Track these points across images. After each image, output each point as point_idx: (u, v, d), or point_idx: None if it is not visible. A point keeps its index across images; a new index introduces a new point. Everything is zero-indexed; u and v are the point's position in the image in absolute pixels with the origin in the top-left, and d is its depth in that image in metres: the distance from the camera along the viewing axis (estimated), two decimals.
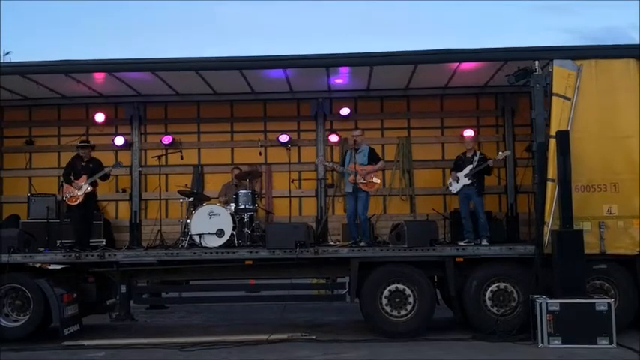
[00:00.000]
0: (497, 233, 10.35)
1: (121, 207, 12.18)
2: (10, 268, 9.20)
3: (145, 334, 9.73)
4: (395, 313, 9.16)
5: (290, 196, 11.94)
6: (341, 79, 11.18)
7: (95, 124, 12.00)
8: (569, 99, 9.04)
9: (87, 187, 10.12)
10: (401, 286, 9.19)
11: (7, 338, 9.03)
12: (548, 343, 8.22)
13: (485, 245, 9.52)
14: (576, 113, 9.03)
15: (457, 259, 9.26)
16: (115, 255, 9.62)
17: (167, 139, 11.94)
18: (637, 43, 9.84)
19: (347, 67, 10.55)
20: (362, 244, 9.74)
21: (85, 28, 78.22)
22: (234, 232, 9.97)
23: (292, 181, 11.94)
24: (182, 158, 11.81)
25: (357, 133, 10.31)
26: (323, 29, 79.03)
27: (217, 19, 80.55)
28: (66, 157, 10.78)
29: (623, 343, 8.20)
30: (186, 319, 11.54)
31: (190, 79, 10.76)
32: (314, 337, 9.03)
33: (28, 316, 9.20)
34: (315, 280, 10.26)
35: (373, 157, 10.17)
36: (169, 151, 11.92)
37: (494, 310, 9.08)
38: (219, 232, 9.90)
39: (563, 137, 8.79)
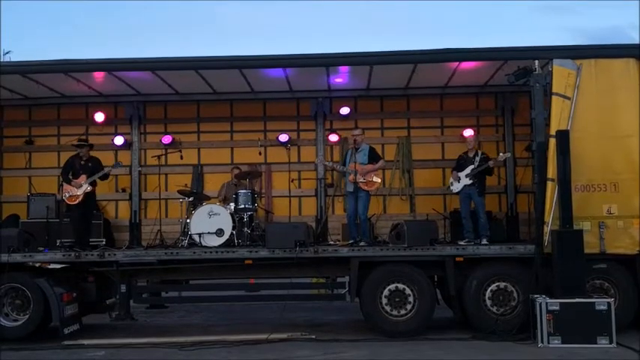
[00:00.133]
0: (497, 233, 10.36)
1: (121, 206, 12.17)
2: (10, 268, 9.20)
3: (145, 333, 9.74)
4: (395, 312, 9.16)
5: (290, 196, 11.93)
6: (341, 78, 11.18)
7: (95, 123, 12.00)
8: (569, 98, 9.04)
9: (87, 187, 10.11)
10: (401, 286, 9.19)
11: (7, 338, 9.03)
12: (548, 343, 8.22)
13: (485, 245, 9.52)
14: (576, 113, 9.03)
15: (457, 259, 9.26)
16: (114, 254, 9.62)
17: (167, 139, 11.93)
18: (637, 42, 9.84)
19: (347, 67, 10.55)
20: (362, 243, 9.74)
21: (85, 28, 78.23)
22: (234, 232, 9.97)
23: (292, 181, 11.93)
24: (182, 158, 11.80)
25: (357, 132, 10.31)
26: (323, 29, 79.03)
27: (217, 19, 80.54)
28: (66, 157, 10.76)
29: (623, 343, 8.19)
30: (186, 318, 11.54)
31: (190, 79, 10.75)
32: (314, 336, 9.02)
33: (27, 316, 9.20)
34: (314, 280, 10.27)
35: (373, 156, 10.16)
36: (169, 150, 11.91)
37: (494, 309, 9.08)
38: (219, 232, 9.90)
39: (563, 137, 8.79)
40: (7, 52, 26.29)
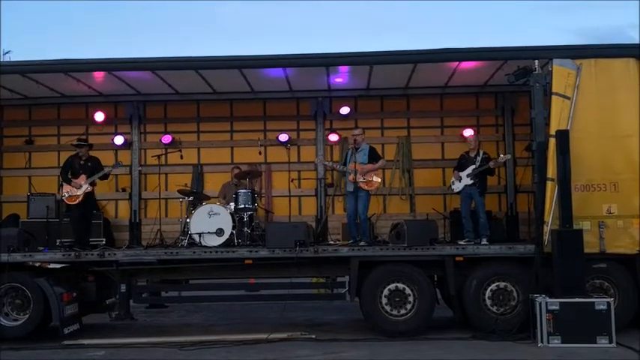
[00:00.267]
0: (497, 232, 10.36)
1: (121, 206, 12.17)
2: (10, 268, 9.20)
3: (145, 333, 9.74)
4: (395, 312, 9.16)
5: (290, 196, 11.93)
6: (341, 78, 11.18)
7: (95, 123, 12.00)
8: (568, 98, 9.04)
9: (87, 186, 10.11)
10: (401, 286, 9.19)
11: (7, 337, 9.03)
12: (548, 343, 8.22)
13: (485, 244, 9.52)
14: (576, 112, 9.03)
15: (457, 259, 9.25)
16: (114, 254, 9.62)
17: (167, 139, 11.93)
18: (637, 42, 9.84)
19: (347, 67, 10.55)
20: (362, 243, 9.74)
21: (85, 28, 78.18)
22: (234, 232, 9.97)
23: (292, 181, 11.93)
24: (182, 157, 11.80)
25: (357, 132, 10.31)
26: (323, 29, 78.97)
27: (217, 19, 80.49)
28: (65, 157, 10.74)
29: (622, 343, 8.19)
30: (186, 318, 11.54)
31: (190, 79, 10.75)
32: (314, 336, 9.02)
33: (27, 316, 9.20)
34: (314, 280, 10.28)
35: (373, 156, 10.16)
36: (169, 150, 11.91)
37: (494, 309, 9.08)
38: (219, 232, 9.90)
39: (563, 136, 8.79)
40: (7, 52, 26.22)
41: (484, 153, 10.23)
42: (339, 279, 9.62)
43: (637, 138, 9.01)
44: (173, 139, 11.99)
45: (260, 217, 11.43)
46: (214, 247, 9.72)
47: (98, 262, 9.58)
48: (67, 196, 10.12)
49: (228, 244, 9.83)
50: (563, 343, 8.18)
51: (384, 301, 9.17)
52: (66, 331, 9.11)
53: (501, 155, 10.47)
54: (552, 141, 8.89)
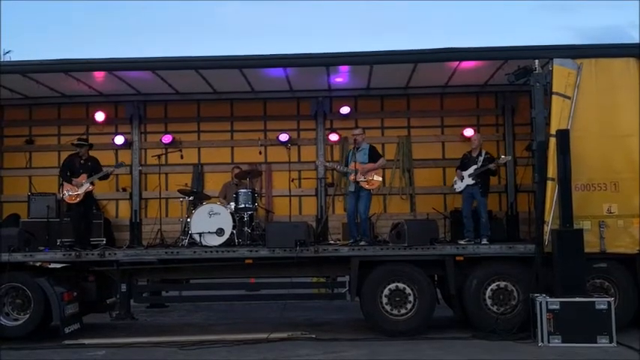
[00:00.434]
0: (498, 232, 10.34)
1: (121, 206, 12.17)
2: (11, 267, 9.21)
3: (145, 333, 9.74)
4: (395, 312, 9.16)
5: (290, 195, 11.91)
6: (341, 78, 11.17)
7: (95, 123, 12.00)
8: (569, 98, 9.04)
9: (88, 185, 10.12)
10: (401, 285, 9.19)
11: (8, 337, 9.04)
12: (549, 342, 8.22)
13: (486, 244, 9.52)
14: (576, 112, 9.03)
15: (457, 258, 9.26)
16: (115, 254, 9.62)
17: (167, 138, 11.93)
18: (637, 42, 9.84)
19: (347, 66, 10.55)
20: (362, 243, 9.73)
21: (85, 28, 78.25)
22: (235, 231, 9.97)
23: (292, 180, 11.92)
24: (182, 157, 11.79)
25: (357, 131, 10.30)
26: (323, 29, 78.99)
27: (217, 19, 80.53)
28: (66, 156, 10.76)
29: (623, 342, 8.20)
30: (186, 318, 11.55)
31: (190, 78, 10.75)
32: (314, 336, 9.02)
33: (28, 315, 9.20)
34: (315, 279, 10.28)
35: (374, 155, 10.15)
36: (169, 150, 11.90)
37: (495, 308, 9.09)
38: (220, 231, 9.90)
39: (564, 136, 8.79)
40: (7, 52, 26.29)
41: (486, 153, 10.22)
42: (339, 279, 9.63)
43: (637, 137, 9.01)
44: (173, 138, 11.99)
45: (260, 217, 11.44)
46: (215, 246, 9.72)
47: (99, 262, 9.58)
48: (67, 195, 10.13)
49: (228, 243, 9.84)
50: (563, 342, 8.18)
51: (385, 300, 9.17)
52: (66, 330, 9.11)
53: (502, 156, 10.48)
54: (553, 140, 8.89)
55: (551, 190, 8.88)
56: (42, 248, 10.10)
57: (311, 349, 8.34)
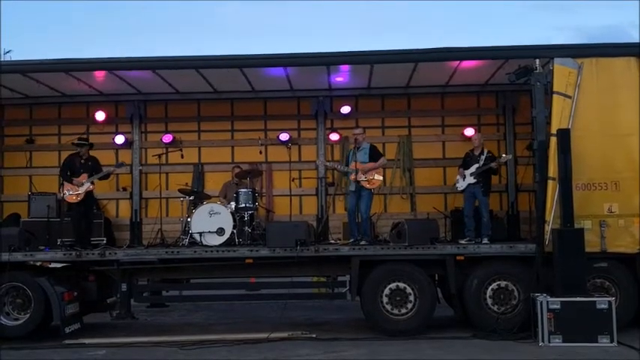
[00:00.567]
0: (498, 231, 10.34)
1: (122, 205, 12.16)
2: (11, 267, 9.20)
3: (146, 332, 9.74)
4: (395, 311, 9.15)
5: (290, 195, 11.90)
6: (341, 77, 11.17)
7: (95, 122, 12.00)
8: (570, 97, 9.03)
9: (88, 185, 10.12)
10: (401, 285, 9.18)
11: (8, 337, 9.04)
12: (549, 342, 8.21)
13: (486, 244, 9.52)
14: (577, 111, 9.02)
15: (458, 258, 9.25)
16: (115, 253, 9.63)
17: (167, 138, 11.93)
18: (637, 41, 9.82)
19: (347, 66, 10.53)
20: (362, 242, 9.71)
21: (85, 28, 78.27)
22: (235, 231, 9.97)
23: (293, 180, 11.92)
24: (182, 157, 11.77)
25: (358, 131, 10.29)
26: (323, 29, 79.03)
27: (217, 19, 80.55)
28: (66, 156, 10.76)
29: (623, 342, 8.19)
30: (187, 317, 11.54)
31: (191, 78, 10.75)
32: (314, 335, 9.02)
33: (28, 315, 9.20)
34: (315, 279, 10.27)
35: (374, 155, 10.14)
36: (170, 149, 11.89)
37: (495, 308, 9.08)
38: (220, 231, 9.89)
39: (564, 135, 8.78)
40: (7, 52, 26.29)
41: (488, 152, 10.21)
42: (339, 278, 9.63)
43: (638, 137, 9.01)
44: (174, 138, 11.99)
45: (261, 217, 11.43)
46: (215, 246, 9.72)
47: (99, 262, 9.58)
48: (68, 194, 10.12)
49: (228, 243, 9.83)
50: (564, 342, 8.18)
51: (385, 300, 9.16)
52: (67, 330, 9.11)
53: (503, 155, 10.47)
54: (553, 140, 8.89)
55: (552, 190, 8.88)
56: (42, 248, 10.09)
57: (311, 349, 8.34)
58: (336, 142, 12.07)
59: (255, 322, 10.52)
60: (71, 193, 10.09)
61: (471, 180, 10.04)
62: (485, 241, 9.62)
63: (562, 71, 9.07)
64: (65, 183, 10.22)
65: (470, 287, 9.13)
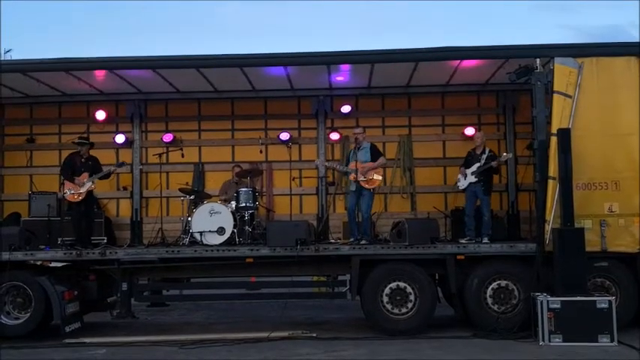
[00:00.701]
0: (499, 231, 10.36)
1: (122, 205, 12.17)
2: (11, 266, 9.20)
3: (146, 331, 9.73)
4: (396, 311, 9.15)
5: (291, 194, 11.89)
6: (342, 76, 11.17)
7: (96, 121, 12.00)
8: (570, 97, 9.03)
9: (89, 184, 10.12)
10: (402, 284, 9.18)
11: (8, 336, 9.04)
12: (549, 341, 8.21)
13: (487, 243, 9.52)
14: (577, 111, 9.02)
15: (458, 257, 9.25)
16: (116, 253, 9.63)
17: (168, 137, 11.93)
18: (638, 41, 9.82)
19: (348, 65, 10.54)
20: (363, 241, 9.72)
21: (85, 28, 78.27)
22: (235, 230, 9.96)
23: (293, 179, 11.90)
24: (183, 156, 11.77)
25: (358, 130, 10.28)
26: (323, 29, 79.00)
27: (217, 19, 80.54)
28: (67, 155, 10.76)
29: (624, 341, 8.18)
30: (187, 316, 11.54)
31: (191, 77, 10.75)
32: (315, 334, 9.02)
33: (29, 314, 9.20)
34: (315, 278, 10.27)
35: (375, 154, 10.13)
36: (170, 148, 11.90)
37: (495, 307, 9.08)
38: (220, 230, 9.89)
39: (565, 135, 8.78)
40: (7, 51, 26.33)
41: (490, 151, 10.20)
42: (340, 277, 9.64)
43: (638, 136, 9.00)
44: (174, 137, 11.99)
45: (261, 216, 11.43)
46: (215, 245, 9.71)
47: (99, 261, 9.57)
48: (68, 193, 10.13)
49: (229, 242, 9.82)
50: (564, 341, 8.17)
51: (385, 299, 9.16)
52: (67, 329, 9.11)
53: (503, 154, 10.46)
54: (554, 139, 8.88)
55: (553, 189, 8.88)
56: (43, 247, 10.09)
57: (312, 348, 8.34)
58: (336, 141, 12.07)
59: (255, 321, 10.52)
60: (72, 192, 10.09)
61: (472, 179, 10.04)
62: (485, 240, 9.62)
63: (562, 71, 9.06)
64: (66, 182, 10.22)
65: (470, 287, 9.13)
